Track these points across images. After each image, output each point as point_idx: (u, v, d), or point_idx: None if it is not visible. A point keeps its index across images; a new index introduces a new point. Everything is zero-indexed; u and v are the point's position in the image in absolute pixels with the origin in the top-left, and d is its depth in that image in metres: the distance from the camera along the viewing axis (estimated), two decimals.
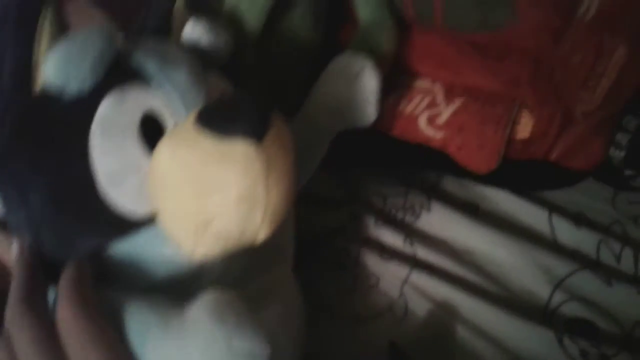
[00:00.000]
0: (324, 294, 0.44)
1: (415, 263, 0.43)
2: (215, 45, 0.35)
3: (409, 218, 0.46)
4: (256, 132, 0.27)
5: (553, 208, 0.44)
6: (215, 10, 0.41)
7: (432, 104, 0.44)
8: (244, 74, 0.41)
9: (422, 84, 0.45)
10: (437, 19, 0.43)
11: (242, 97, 0.29)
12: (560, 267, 0.41)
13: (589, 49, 0.40)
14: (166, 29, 0.36)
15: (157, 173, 0.29)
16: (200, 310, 0.26)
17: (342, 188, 0.48)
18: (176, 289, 0.31)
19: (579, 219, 0.43)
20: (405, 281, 0.43)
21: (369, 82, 0.39)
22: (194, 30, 0.34)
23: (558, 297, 0.40)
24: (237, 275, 0.33)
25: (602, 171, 0.44)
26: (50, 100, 0.29)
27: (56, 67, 0.28)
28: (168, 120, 0.30)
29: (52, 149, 0.29)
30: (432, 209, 0.46)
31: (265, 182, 0.27)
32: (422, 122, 0.44)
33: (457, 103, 0.44)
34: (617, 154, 0.41)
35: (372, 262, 0.44)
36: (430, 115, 0.44)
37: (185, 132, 0.28)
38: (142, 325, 0.27)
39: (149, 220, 0.30)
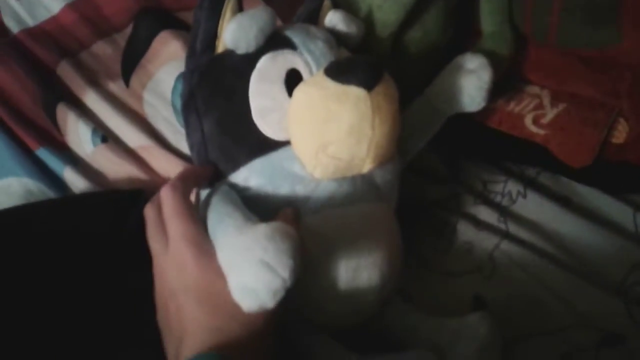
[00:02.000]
0: (422, 252, 0.52)
1: (507, 235, 0.50)
2: (349, 30, 0.46)
3: (505, 202, 0.53)
4: (367, 82, 0.36)
5: (638, 208, 0.49)
6: (359, 6, 0.52)
7: (538, 106, 0.52)
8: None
9: (531, 89, 0.54)
10: (550, 35, 0.51)
11: (360, 58, 0.39)
12: (638, 254, 0.46)
13: None
14: (316, 19, 0.48)
15: (294, 107, 0.39)
16: (262, 226, 0.34)
17: (448, 168, 0.56)
18: (293, 201, 0.40)
19: None
20: (496, 247, 0.50)
21: (483, 75, 0.48)
22: (332, 19, 0.46)
23: (632, 278, 0.46)
24: (343, 198, 0.42)
25: None
26: (226, 57, 0.42)
27: (231, 33, 0.40)
28: (306, 75, 0.41)
29: (223, 89, 0.42)
30: (527, 197, 0.53)
31: (371, 121, 0.37)
32: (529, 120, 0.52)
33: (560, 107, 0.51)
34: None
35: (467, 231, 0.52)
36: (536, 115, 0.52)
37: (317, 79, 0.38)
38: (219, 215, 0.37)
39: (284, 144, 0.40)
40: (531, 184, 0.54)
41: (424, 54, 0.54)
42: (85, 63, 0.57)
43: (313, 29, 0.44)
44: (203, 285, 0.35)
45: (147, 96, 0.55)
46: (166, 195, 0.38)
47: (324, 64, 0.41)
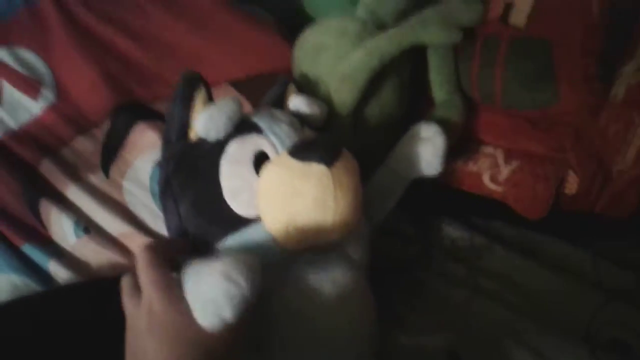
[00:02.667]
0: (398, 312, 0.54)
1: (476, 290, 0.53)
2: (311, 112, 0.50)
3: (473, 257, 0.56)
4: (327, 159, 0.40)
5: (598, 254, 0.53)
6: (319, 89, 0.57)
7: (494, 165, 0.56)
8: (343, 139, 0.56)
9: (486, 149, 0.58)
10: (497, 100, 0.55)
11: (320, 137, 0.43)
12: (601, 298, 0.49)
13: (621, 123, 0.50)
14: (282, 103, 0.52)
15: (262, 186, 0.42)
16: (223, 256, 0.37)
17: (416, 228, 0.59)
18: (268, 275, 0.41)
19: (620, 264, 0.51)
20: (467, 303, 0.52)
21: (437, 142, 0.52)
22: (295, 102, 0.51)
23: (597, 322, 0.48)
24: (315, 268, 0.44)
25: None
26: (198, 145, 0.45)
27: (202, 124, 0.43)
28: (273, 156, 0.44)
29: (197, 174, 0.45)
30: (493, 250, 0.56)
31: (333, 194, 0.40)
32: (486, 178, 0.56)
33: (514, 164, 0.55)
34: None
35: (439, 288, 0.54)
36: (492, 173, 0.56)
37: (280, 159, 0.42)
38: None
39: (255, 221, 0.43)
40: (496, 237, 0.57)
41: (383, 127, 0.58)
42: (67, 159, 0.60)
43: (278, 113, 0.48)
44: (167, 324, 0.36)
45: (127, 184, 0.58)
46: (141, 253, 0.40)
47: (289, 144, 0.44)
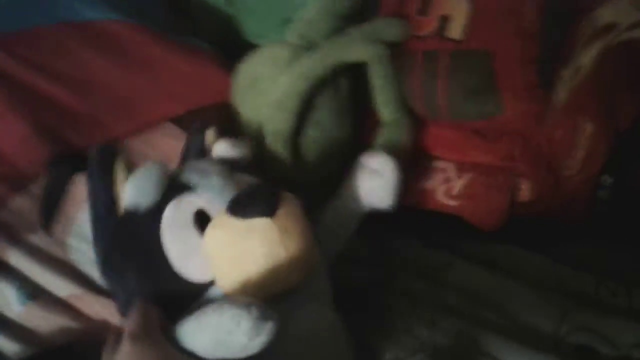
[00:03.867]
0: (368, 341, 0.53)
1: (442, 307, 0.52)
2: (237, 154, 0.48)
3: (435, 274, 0.55)
4: (267, 211, 0.38)
5: (557, 259, 0.53)
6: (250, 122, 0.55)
7: (447, 179, 0.56)
8: (282, 172, 0.54)
9: (438, 163, 0.57)
10: (442, 113, 0.55)
11: (255, 188, 0.41)
12: (565, 305, 0.49)
13: (566, 128, 0.51)
14: (204, 152, 0.50)
15: (207, 251, 0.40)
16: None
17: (375, 250, 0.58)
18: None
19: (580, 267, 0.52)
20: (433, 323, 0.52)
21: (388, 175, 0.50)
22: (218, 150, 0.48)
23: (563, 329, 0.48)
24: (280, 312, 0.41)
25: (597, 225, 0.52)
26: (131, 217, 0.42)
27: (130, 197, 0.42)
28: (213, 212, 0.42)
29: (137, 248, 0.42)
30: (456, 266, 0.55)
31: (282, 244, 0.39)
32: (440, 193, 0.56)
33: (466, 177, 0.55)
34: (602, 208, 0.50)
35: (405, 309, 0.53)
36: (446, 187, 0.55)
37: (220, 220, 0.40)
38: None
39: (211, 284, 0.41)
40: (456, 252, 0.56)
41: (327, 152, 0.57)
42: (4, 220, 0.57)
43: (204, 164, 0.45)
44: None
45: (72, 242, 0.55)
46: (135, 317, 0.38)
47: (226, 196, 0.42)
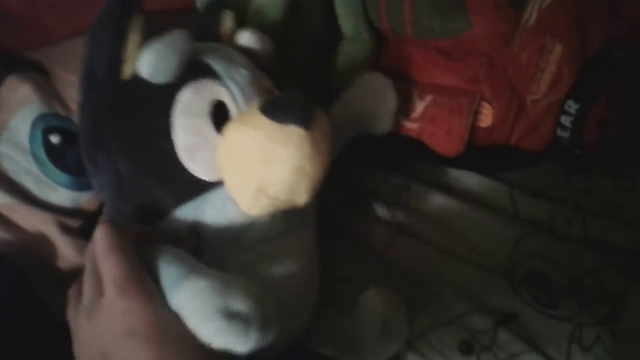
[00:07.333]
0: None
1: (398, 231, 0.51)
2: (261, 49, 0.43)
3: (392, 198, 0.54)
4: (306, 121, 0.34)
5: (514, 185, 0.52)
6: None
7: (408, 101, 0.53)
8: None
9: (400, 84, 0.54)
10: (407, 30, 0.52)
11: (295, 94, 0.36)
12: (520, 231, 0.48)
13: (534, 49, 0.48)
14: (217, 36, 0.43)
15: (228, 147, 0.36)
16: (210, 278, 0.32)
17: (334, 173, 0.56)
18: (229, 240, 0.38)
19: (536, 194, 0.51)
20: (389, 245, 0.50)
21: (390, 99, 0.48)
22: (248, 39, 0.43)
23: (516, 255, 0.47)
24: (276, 230, 0.40)
25: (556, 152, 0.51)
26: (138, 86, 0.37)
27: (149, 64, 0.36)
28: (232, 108, 0.38)
29: (140, 124, 0.37)
30: (412, 190, 0.54)
31: (311, 159, 0.35)
32: (400, 116, 0.53)
33: (428, 99, 0.52)
34: (563, 134, 0.48)
35: (362, 231, 0.52)
36: (406, 109, 0.53)
37: (253, 118, 0.35)
38: (170, 277, 0.34)
39: (214, 185, 0.38)
40: (413, 176, 0.55)
41: (309, 52, 0.53)
42: None
43: (233, 53, 0.41)
44: (155, 327, 0.31)
45: (4, 149, 0.51)
46: (100, 234, 0.34)
47: (250, 94, 0.38)
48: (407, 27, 0.51)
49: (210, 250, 0.38)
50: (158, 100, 0.37)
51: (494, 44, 0.49)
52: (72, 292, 0.36)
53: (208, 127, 0.37)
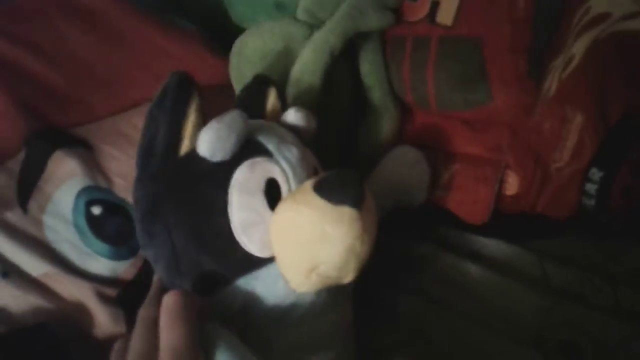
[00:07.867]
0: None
1: (428, 300, 0.51)
2: (307, 127, 0.45)
3: (422, 265, 0.54)
4: (358, 202, 0.35)
5: (543, 253, 0.52)
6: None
7: (434, 170, 0.54)
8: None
9: (426, 154, 0.56)
10: (431, 103, 0.54)
11: (347, 174, 0.37)
12: (550, 300, 0.48)
13: (555, 118, 0.49)
14: (262, 112, 0.46)
15: (281, 224, 0.37)
16: None
17: None
18: (276, 318, 0.39)
19: (565, 262, 0.51)
20: (419, 314, 0.50)
21: (424, 171, 0.50)
22: (295, 116, 0.44)
23: (546, 324, 0.47)
24: (320, 307, 0.41)
25: (583, 220, 0.51)
26: (196, 163, 0.38)
27: (209, 143, 0.37)
28: (283, 186, 0.39)
29: (198, 200, 0.39)
30: (441, 257, 0.54)
31: (361, 239, 0.36)
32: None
33: (453, 168, 0.54)
34: (589, 202, 0.49)
35: (391, 298, 0.52)
36: (432, 178, 0.54)
37: (307, 197, 0.36)
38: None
39: (266, 261, 0.39)
40: (442, 244, 0.55)
41: (333, 130, 0.55)
42: None
43: (282, 131, 0.42)
44: None
45: (48, 220, 0.54)
46: (172, 299, 0.34)
47: (300, 172, 0.40)
48: (431, 99, 0.53)
49: (257, 329, 0.39)
50: (215, 177, 0.38)
51: (516, 115, 0.51)
52: (115, 355, 0.37)
53: (262, 205, 0.38)
